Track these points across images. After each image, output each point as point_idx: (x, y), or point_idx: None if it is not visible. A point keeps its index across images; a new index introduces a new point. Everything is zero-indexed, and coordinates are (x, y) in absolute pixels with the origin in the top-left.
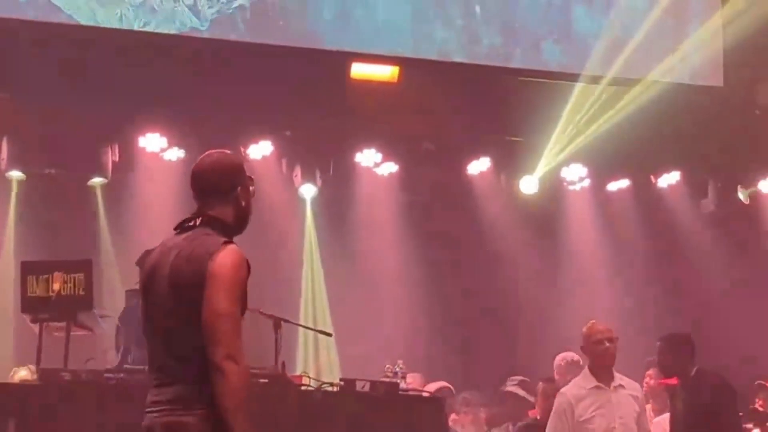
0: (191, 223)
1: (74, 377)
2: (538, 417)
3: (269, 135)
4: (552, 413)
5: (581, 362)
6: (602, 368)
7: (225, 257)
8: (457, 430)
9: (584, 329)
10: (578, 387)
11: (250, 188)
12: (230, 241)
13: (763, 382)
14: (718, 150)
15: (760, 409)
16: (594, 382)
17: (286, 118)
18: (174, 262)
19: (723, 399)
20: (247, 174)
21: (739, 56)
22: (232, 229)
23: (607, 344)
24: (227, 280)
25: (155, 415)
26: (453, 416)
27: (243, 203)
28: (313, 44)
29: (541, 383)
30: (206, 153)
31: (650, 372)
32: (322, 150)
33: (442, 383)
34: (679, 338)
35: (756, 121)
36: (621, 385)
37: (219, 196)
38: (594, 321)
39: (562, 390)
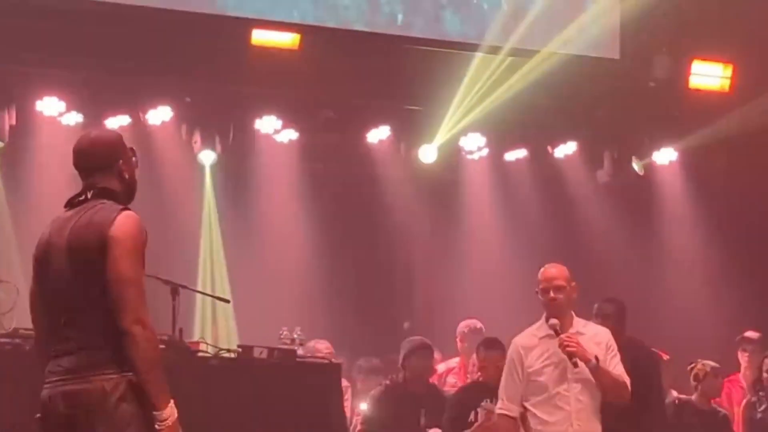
0: (82, 197)
1: None
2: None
3: (169, 100)
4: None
5: (483, 330)
6: (554, 317)
7: (124, 223)
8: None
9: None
10: (529, 336)
11: (133, 160)
12: (127, 208)
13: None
14: (613, 121)
15: None
16: (546, 331)
17: (186, 84)
18: (71, 233)
19: (649, 372)
20: (128, 147)
21: (636, 29)
22: (122, 199)
23: (552, 294)
24: (129, 245)
25: (55, 384)
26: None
27: (126, 176)
28: (214, 10)
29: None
30: (84, 132)
31: None
32: (222, 116)
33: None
34: (621, 304)
35: (651, 94)
36: (579, 332)
37: (102, 171)
38: (548, 265)
39: (513, 339)
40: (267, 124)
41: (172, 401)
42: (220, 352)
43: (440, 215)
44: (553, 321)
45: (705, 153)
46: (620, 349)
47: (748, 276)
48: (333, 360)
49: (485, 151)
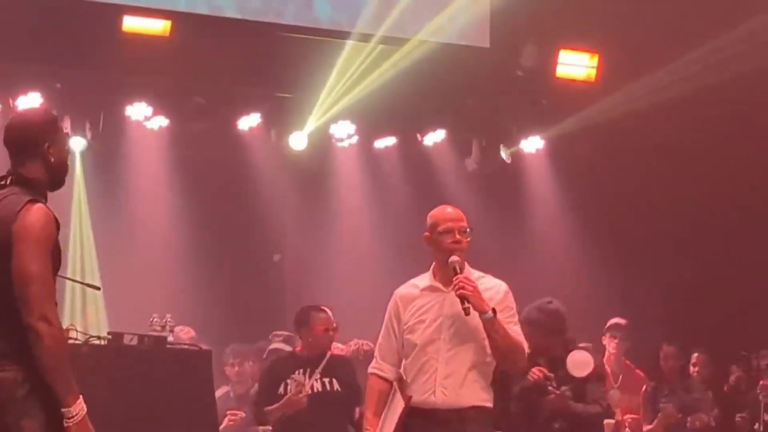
0: (2, 183)
1: None
2: None
3: (39, 87)
4: None
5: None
6: (448, 266)
7: (29, 216)
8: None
9: (430, 216)
10: (410, 286)
11: (63, 144)
12: (36, 200)
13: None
14: (482, 110)
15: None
16: (429, 282)
17: (56, 70)
18: None
19: None
20: (62, 131)
21: (505, 18)
22: (44, 186)
23: (458, 236)
24: (33, 240)
25: None
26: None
27: (52, 159)
28: None
29: None
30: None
31: None
32: (92, 103)
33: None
34: None
35: (519, 82)
36: None
37: (27, 153)
38: (442, 206)
39: (395, 290)
40: (137, 110)
41: (81, 398)
42: (90, 339)
43: (310, 202)
44: (455, 258)
45: (571, 141)
46: None
47: (614, 262)
48: (202, 347)
49: (355, 139)
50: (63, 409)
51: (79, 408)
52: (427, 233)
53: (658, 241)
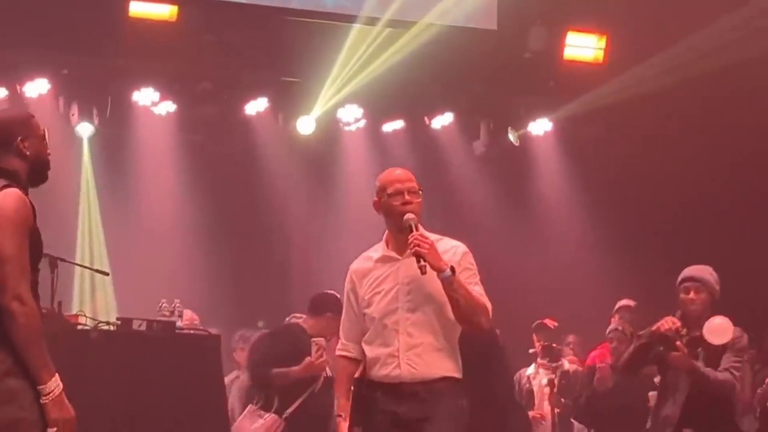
0: None
1: None
2: None
3: (46, 73)
4: None
5: None
6: (401, 232)
7: (2, 200)
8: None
9: (377, 180)
10: (365, 259)
11: (42, 140)
12: (10, 185)
13: (542, 321)
14: (490, 92)
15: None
16: (383, 251)
17: (63, 56)
18: None
19: (488, 351)
20: (36, 127)
21: (512, 0)
22: (23, 180)
23: (407, 196)
24: (5, 222)
25: None
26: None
27: (27, 153)
28: None
29: None
30: None
31: None
32: (99, 88)
33: None
34: None
35: (526, 65)
36: None
37: (2, 148)
38: (390, 169)
39: (350, 265)
40: (145, 96)
41: (56, 375)
42: (99, 324)
43: (318, 186)
44: (409, 215)
45: (579, 123)
46: None
47: (623, 244)
48: (211, 332)
49: (363, 123)
50: (39, 387)
51: (54, 385)
52: (375, 199)
53: (666, 222)
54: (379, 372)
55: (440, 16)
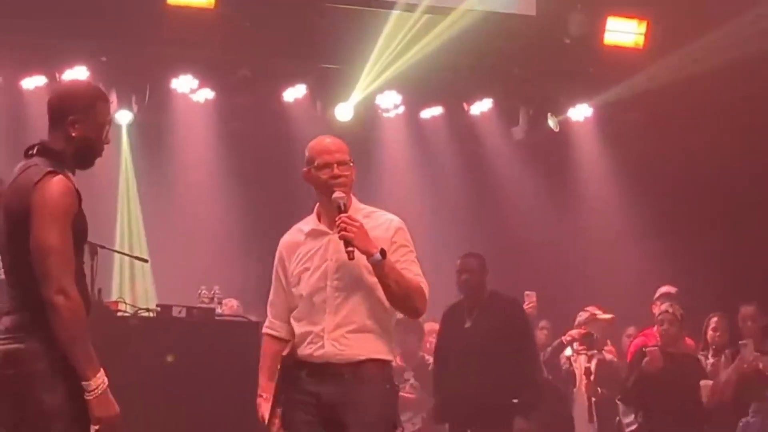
0: (30, 152)
1: None
2: None
3: (84, 60)
4: None
5: None
6: (331, 206)
7: (47, 188)
8: None
9: (307, 150)
10: (296, 232)
11: (99, 127)
12: (55, 171)
13: (593, 315)
14: (529, 78)
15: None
16: (314, 225)
17: (102, 44)
18: (5, 194)
19: (517, 322)
20: (101, 113)
21: None
22: (66, 159)
23: (336, 169)
24: (50, 211)
25: None
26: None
27: (74, 134)
28: None
29: None
30: None
31: None
32: (138, 76)
33: None
34: (482, 258)
35: (566, 51)
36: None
37: (54, 123)
38: (319, 137)
39: (281, 238)
40: (183, 83)
41: (101, 371)
42: (139, 311)
43: (356, 173)
44: (339, 194)
45: (619, 109)
46: (484, 304)
47: (663, 231)
48: (250, 318)
49: (401, 109)
50: (83, 383)
51: (99, 381)
52: (304, 169)
53: (707, 208)
54: (305, 350)
55: (479, 2)
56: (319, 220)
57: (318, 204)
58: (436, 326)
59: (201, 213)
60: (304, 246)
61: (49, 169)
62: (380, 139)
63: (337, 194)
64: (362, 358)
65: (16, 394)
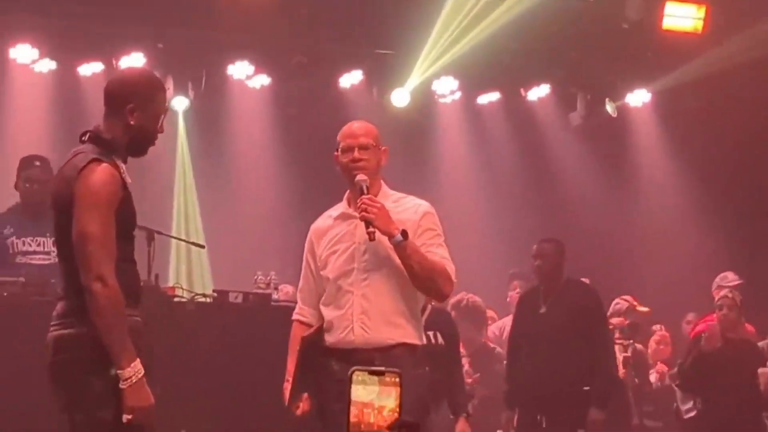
0: (82, 138)
1: None
2: None
3: (141, 47)
4: None
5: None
6: (354, 187)
7: (90, 176)
8: None
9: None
10: (325, 217)
11: (155, 116)
12: (100, 159)
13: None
14: (587, 63)
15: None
16: (342, 209)
17: (158, 30)
18: (53, 181)
19: (593, 311)
20: (159, 101)
21: None
22: (120, 148)
23: (356, 153)
24: (92, 199)
25: (50, 329)
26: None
27: (132, 122)
28: None
29: None
30: None
31: (516, 283)
32: (194, 62)
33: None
34: (560, 244)
35: (624, 35)
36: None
37: (112, 109)
38: (351, 121)
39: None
40: (239, 69)
41: (137, 361)
42: (196, 297)
43: (413, 159)
44: (361, 176)
45: (678, 94)
46: (560, 291)
47: (722, 216)
48: None
49: (458, 95)
50: (117, 371)
51: (134, 371)
52: (335, 153)
53: (766, 193)
54: (333, 337)
55: None
56: (349, 205)
57: (349, 189)
58: (493, 314)
59: (257, 198)
60: (333, 230)
61: (94, 156)
62: (436, 125)
63: (360, 177)
64: (392, 342)
65: (66, 379)
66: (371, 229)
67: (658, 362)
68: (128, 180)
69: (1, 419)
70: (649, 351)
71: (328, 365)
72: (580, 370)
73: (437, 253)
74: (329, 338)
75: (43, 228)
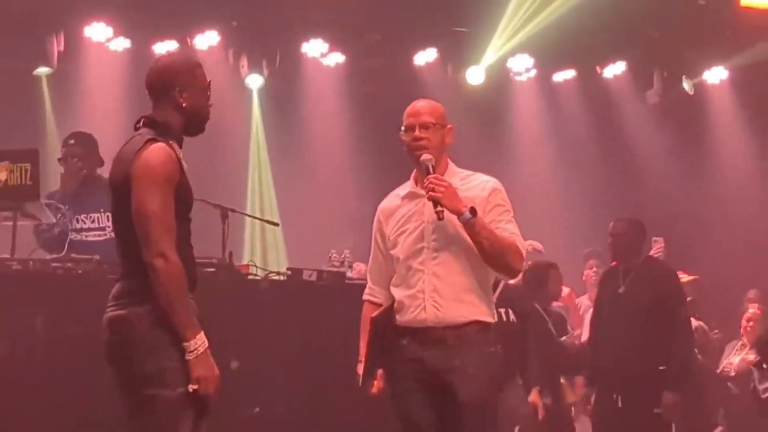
0: (137, 125)
1: (23, 266)
2: None
3: (216, 25)
4: None
5: (543, 252)
6: (420, 166)
7: (147, 155)
8: None
9: None
10: (393, 197)
11: (203, 91)
12: (155, 139)
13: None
14: (663, 40)
15: None
16: (410, 188)
17: (232, 8)
18: (111, 165)
19: (671, 292)
20: (201, 77)
21: None
22: (176, 130)
23: (417, 132)
24: (151, 178)
25: (106, 310)
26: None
27: (184, 104)
28: None
29: None
30: None
31: (592, 262)
32: (268, 40)
33: None
34: (637, 223)
35: (701, 12)
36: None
37: (160, 95)
38: (418, 99)
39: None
40: (314, 47)
41: (201, 333)
42: (270, 274)
43: (488, 137)
44: (426, 156)
45: (756, 71)
46: (638, 270)
47: None
48: None
49: (533, 72)
50: (183, 344)
51: (198, 343)
52: (400, 132)
53: None
54: (405, 316)
55: None
56: (416, 184)
57: (415, 168)
58: (569, 291)
59: (331, 176)
60: (401, 209)
61: (150, 137)
62: (511, 103)
63: (425, 156)
64: (464, 320)
65: (121, 359)
66: (439, 209)
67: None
68: (185, 164)
69: (78, 397)
70: (741, 330)
71: (401, 345)
72: (656, 353)
73: (507, 228)
74: (401, 318)
75: (96, 204)
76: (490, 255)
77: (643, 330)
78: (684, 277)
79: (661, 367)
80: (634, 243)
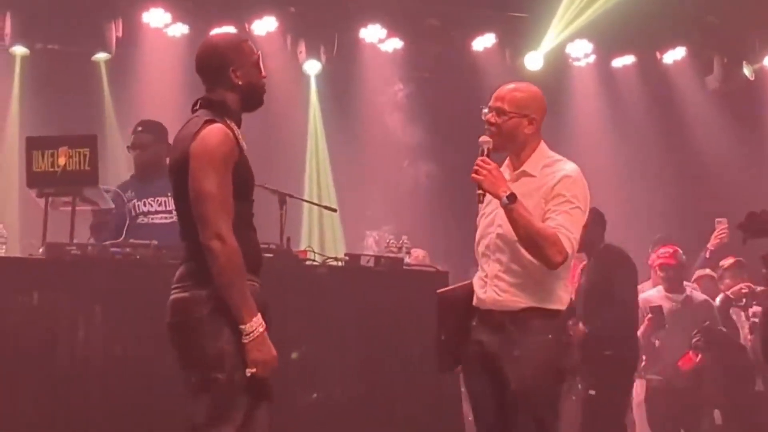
0: (194, 108)
1: (81, 251)
2: None
3: (273, 10)
4: None
5: None
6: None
7: (205, 136)
8: None
9: None
10: None
11: (255, 66)
12: (212, 120)
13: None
14: (723, 26)
15: None
16: (504, 169)
17: None
18: (170, 148)
19: (620, 272)
20: (250, 52)
21: None
22: (234, 110)
23: (488, 115)
24: (206, 159)
25: (171, 292)
26: None
27: (240, 82)
28: None
29: None
30: None
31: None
32: (326, 26)
33: None
34: (593, 211)
35: None
36: (525, 172)
37: (213, 77)
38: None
39: None
40: (371, 33)
41: (258, 315)
42: (328, 260)
43: (546, 123)
44: (483, 138)
45: None
46: (597, 257)
47: None
48: (438, 268)
49: (592, 58)
50: (240, 326)
51: (256, 325)
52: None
53: None
54: (476, 297)
55: None
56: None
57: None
58: None
59: (389, 162)
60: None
61: (207, 118)
62: (570, 89)
63: (482, 139)
64: (522, 306)
65: (183, 341)
66: (480, 191)
67: None
68: (244, 145)
69: (136, 384)
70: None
71: (471, 326)
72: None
73: (556, 219)
74: (474, 299)
75: (163, 187)
76: (524, 243)
77: (592, 315)
78: (727, 261)
79: (606, 352)
80: (593, 232)
